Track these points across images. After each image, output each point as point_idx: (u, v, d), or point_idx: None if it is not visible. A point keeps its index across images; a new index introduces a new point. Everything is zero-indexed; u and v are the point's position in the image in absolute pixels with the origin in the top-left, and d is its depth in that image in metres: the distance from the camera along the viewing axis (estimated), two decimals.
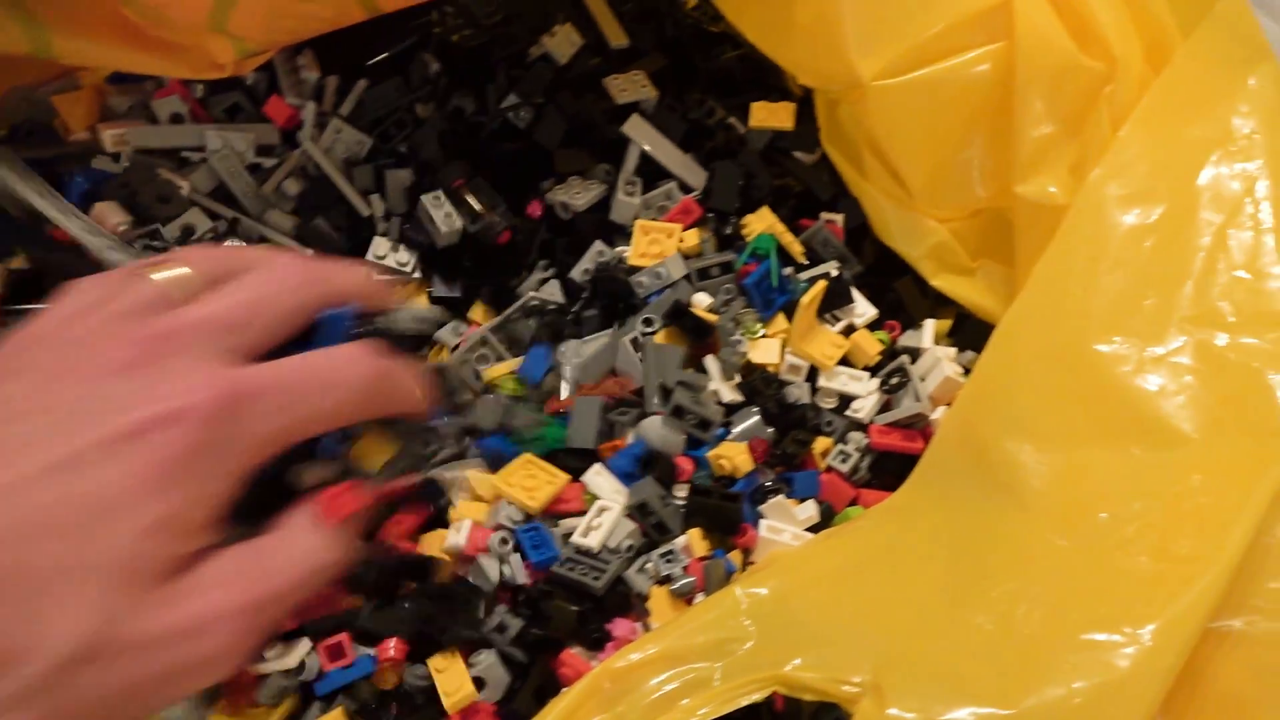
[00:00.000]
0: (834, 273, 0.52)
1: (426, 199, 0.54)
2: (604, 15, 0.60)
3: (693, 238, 0.52)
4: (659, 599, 0.44)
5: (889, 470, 0.48)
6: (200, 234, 0.54)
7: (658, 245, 0.52)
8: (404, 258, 0.55)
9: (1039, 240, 0.45)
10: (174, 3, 0.47)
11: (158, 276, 0.36)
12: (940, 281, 0.51)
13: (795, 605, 0.38)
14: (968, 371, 0.49)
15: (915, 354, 0.51)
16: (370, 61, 0.59)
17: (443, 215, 0.53)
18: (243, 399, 0.33)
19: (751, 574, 0.39)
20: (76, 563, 0.30)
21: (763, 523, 0.46)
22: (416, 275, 0.55)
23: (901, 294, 0.53)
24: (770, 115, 0.56)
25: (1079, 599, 0.35)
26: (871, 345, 0.50)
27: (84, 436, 0.32)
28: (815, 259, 0.54)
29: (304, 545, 0.35)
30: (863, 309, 0.52)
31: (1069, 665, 0.33)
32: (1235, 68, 0.43)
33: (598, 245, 0.54)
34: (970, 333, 0.52)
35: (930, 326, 0.52)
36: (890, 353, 0.51)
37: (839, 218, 0.54)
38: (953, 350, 0.51)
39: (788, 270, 0.52)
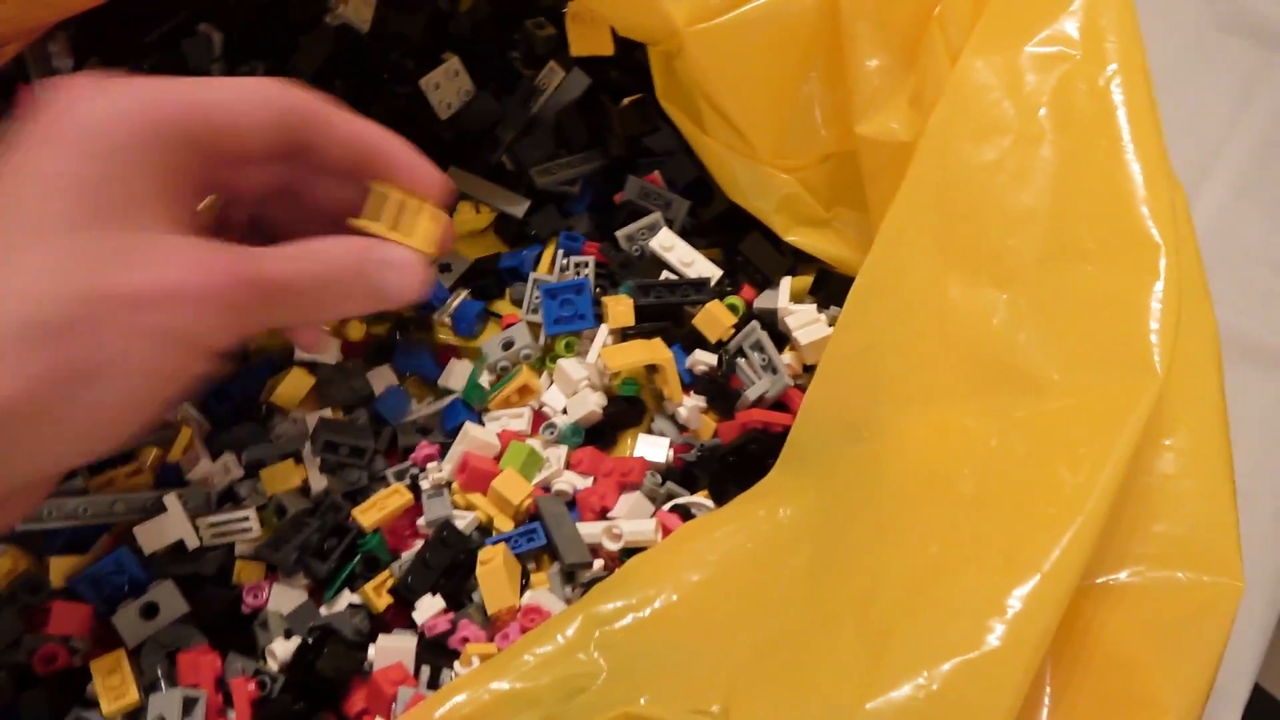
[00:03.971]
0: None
1: None
2: None
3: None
4: None
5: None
6: None
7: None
8: None
9: (888, 182, 0.43)
10: None
11: None
12: (795, 236, 0.49)
13: (649, 630, 0.36)
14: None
15: (772, 316, 0.49)
16: (148, 39, 0.54)
17: None
18: None
19: (602, 593, 0.37)
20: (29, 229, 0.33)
21: None
22: None
23: (748, 254, 0.50)
24: (590, 38, 0.52)
25: (941, 572, 0.33)
26: (724, 316, 0.48)
27: None
28: (639, 213, 0.52)
29: None
30: (705, 270, 0.50)
31: (930, 647, 0.31)
32: None
33: None
34: (836, 288, 0.50)
35: (787, 285, 0.49)
36: (746, 317, 0.49)
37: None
38: (811, 309, 0.48)
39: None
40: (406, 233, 0.39)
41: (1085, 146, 0.38)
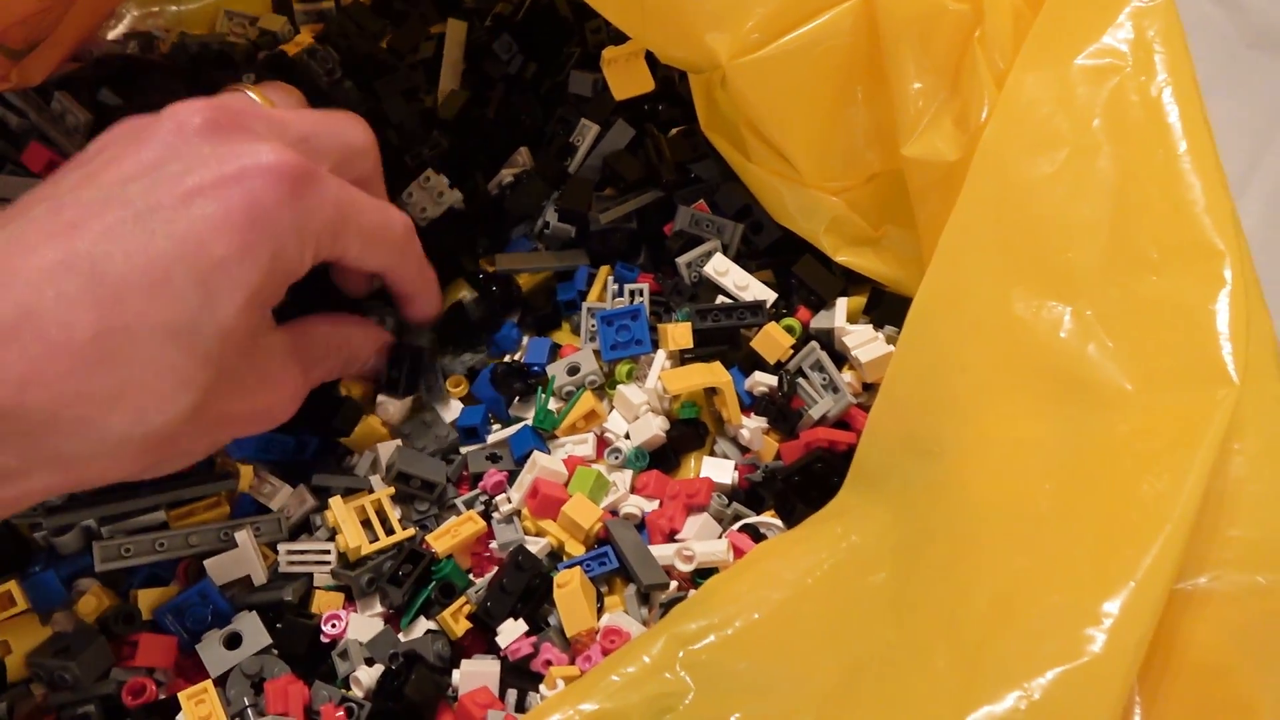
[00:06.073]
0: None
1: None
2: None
3: None
4: None
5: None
6: None
7: None
8: None
9: (937, 201, 0.42)
10: None
11: (250, 91, 0.41)
12: (845, 256, 0.48)
13: (733, 649, 0.35)
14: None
15: (829, 336, 0.48)
16: None
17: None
18: (310, 175, 0.37)
19: (684, 613, 0.36)
20: (177, 327, 0.34)
21: None
22: None
23: (803, 276, 0.49)
24: (628, 74, 0.51)
25: (1031, 585, 0.32)
26: (783, 338, 0.47)
27: (176, 187, 0.34)
28: (694, 242, 0.51)
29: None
30: (759, 292, 0.49)
31: (1028, 659, 0.30)
32: None
33: None
34: (889, 306, 0.49)
35: (843, 305, 0.48)
36: (804, 338, 0.48)
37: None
38: (868, 328, 0.47)
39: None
40: None
41: (1142, 157, 0.38)
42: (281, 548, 0.44)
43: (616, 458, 0.47)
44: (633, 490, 0.46)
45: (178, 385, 0.34)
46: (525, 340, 0.52)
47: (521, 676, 0.40)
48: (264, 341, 0.39)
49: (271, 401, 0.40)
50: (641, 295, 0.50)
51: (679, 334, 0.48)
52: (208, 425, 0.37)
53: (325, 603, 0.43)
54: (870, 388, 0.47)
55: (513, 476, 0.46)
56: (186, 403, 0.34)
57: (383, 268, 0.44)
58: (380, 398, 0.49)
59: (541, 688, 0.39)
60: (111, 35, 0.61)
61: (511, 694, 0.39)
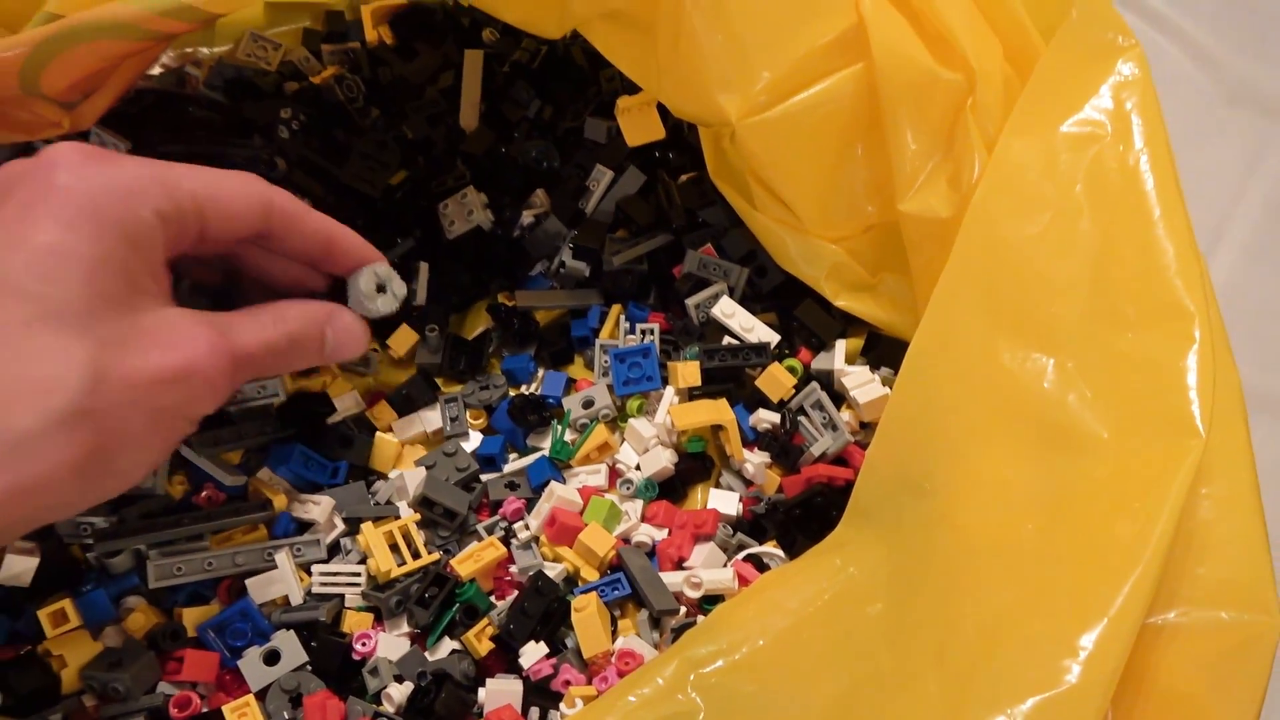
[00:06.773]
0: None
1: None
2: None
3: None
4: None
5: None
6: None
7: None
8: None
9: (931, 253, 0.45)
10: None
11: None
12: (844, 301, 0.51)
13: (740, 673, 0.37)
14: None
15: (828, 377, 0.51)
16: None
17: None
18: (106, 152, 0.37)
19: (694, 638, 0.38)
20: (31, 316, 0.34)
21: None
22: None
23: (804, 319, 0.52)
24: (641, 123, 0.54)
25: (1015, 617, 0.35)
26: (785, 378, 0.50)
27: None
28: (702, 284, 0.53)
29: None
30: (764, 334, 0.52)
31: (1010, 688, 0.32)
32: (1104, 59, 0.42)
33: None
34: (885, 349, 0.51)
35: (841, 347, 0.51)
36: (805, 378, 0.51)
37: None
38: (865, 370, 0.50)
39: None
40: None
41: (1119, 221, 0.40)
42: (316, 569, 0.46)
43: (628, 488, 0.49)
44: (643, 519, 0.49)
45: (59, 363, 0.34)
46: (541, 374, 0.55)
47: (543, 695, 0.42)
48: (156, 309, 0.38)
49: (182, 359, 0.37)
50: (652, 334, 0.53)
51: (688, 372, 0.50)
52: (126, 396, 0.36)
53: (356, 622, 0.46)
54: (867, 426, 0.49)
55: (530, 504, 0.49)
56: (76, 376, 0.34)
57: (262, 217, 0.42)
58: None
59: (562, 706, 0.42)
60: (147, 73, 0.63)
61: (534, 712, 0.42)
